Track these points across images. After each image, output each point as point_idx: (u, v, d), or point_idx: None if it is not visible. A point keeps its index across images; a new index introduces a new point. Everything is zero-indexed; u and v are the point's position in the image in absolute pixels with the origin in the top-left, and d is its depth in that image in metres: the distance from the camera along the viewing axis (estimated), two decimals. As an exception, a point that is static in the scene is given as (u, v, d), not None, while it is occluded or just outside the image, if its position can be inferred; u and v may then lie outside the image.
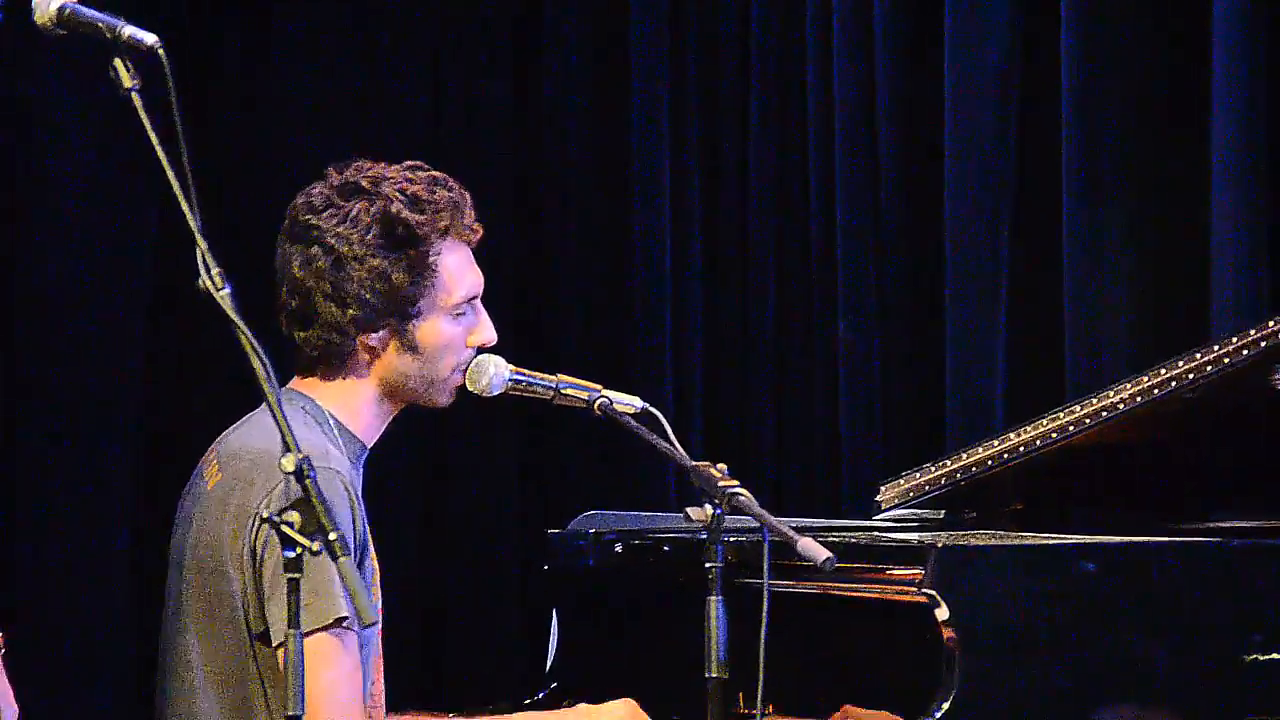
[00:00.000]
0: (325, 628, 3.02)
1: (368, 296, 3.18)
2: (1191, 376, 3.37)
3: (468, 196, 3.28)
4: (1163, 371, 3.42)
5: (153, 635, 3.25)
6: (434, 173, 3.27)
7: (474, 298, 3.27)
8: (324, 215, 3.21)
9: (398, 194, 3.21)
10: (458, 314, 3.24)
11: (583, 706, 3.31)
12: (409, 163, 3.28)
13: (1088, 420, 3.48)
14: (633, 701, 3.27)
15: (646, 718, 3.27)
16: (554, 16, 5.40)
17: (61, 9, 2.68)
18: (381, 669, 3.25)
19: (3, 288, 4.90)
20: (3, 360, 4.90)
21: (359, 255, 3.18)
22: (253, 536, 3.09)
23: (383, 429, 3.28)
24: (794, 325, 5.21)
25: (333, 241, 3.18)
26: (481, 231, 3.29)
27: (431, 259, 3.21)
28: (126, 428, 5.00)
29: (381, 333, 3.21)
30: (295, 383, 3.26)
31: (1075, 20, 4.63)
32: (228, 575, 3.11)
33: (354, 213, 3.19)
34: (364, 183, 3.22)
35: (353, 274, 3.18)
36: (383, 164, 3.26)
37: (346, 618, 3.03)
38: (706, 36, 5.33)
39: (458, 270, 3.24)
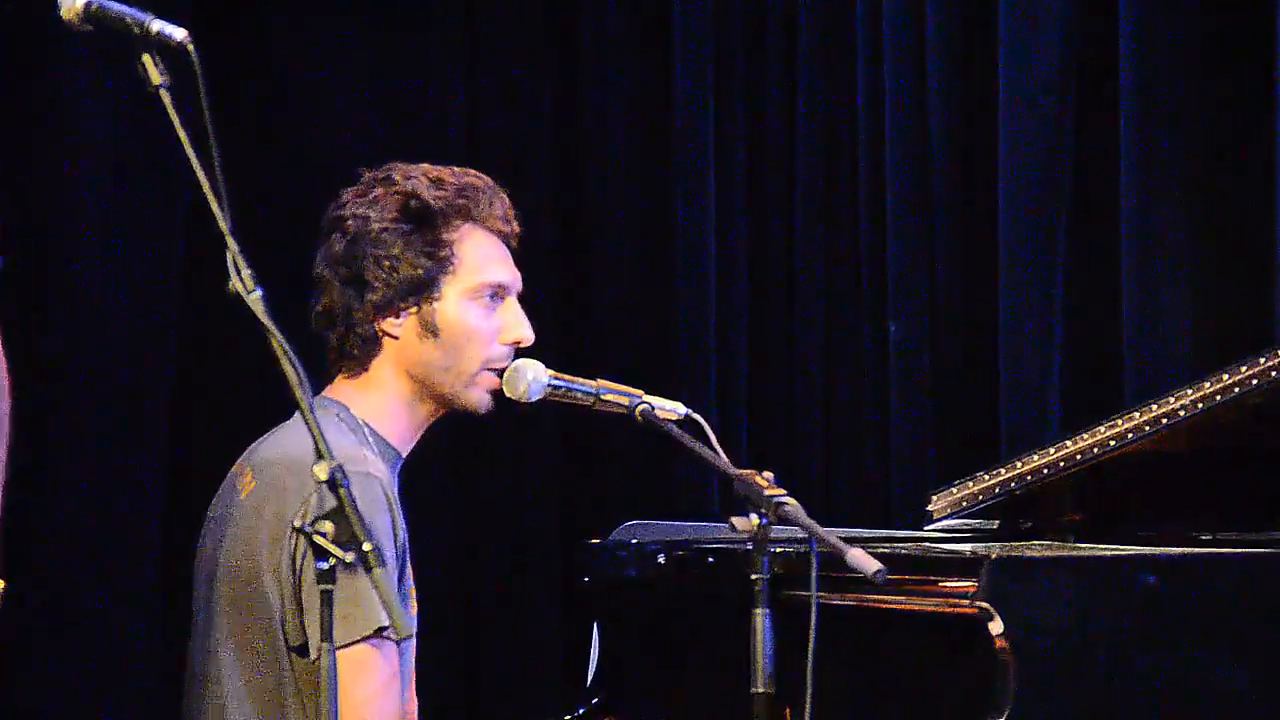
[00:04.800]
0: (365, 638, 2.97)
1: (383, 275, 3.15)
2: (1256, 382, 3.32)
3: (500, 191, 3.23)
4: (1226, 376, 3.36)
5: (181, 642, 3.20)
6: (469, 169, 3.23)
7: (501, 287, 3.20)
8: (348, 205, 3.18)
9: (422, 176, 3.18)
10: (481, 300, 3.18)
11: None
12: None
13: (1148, 427, 3.43)
14: None
15: None
16: (594, 13, 5.35)
17: (88, 4, 2.64)
18: (414, 682, 3.19)
19: (32, 283, 4.88)
20: (33, 356, 4.88)
21: (374, 235, 3.16)
22: (291, 546, 3.04)
23: (418, 437, 3.23)
24: (843, 329, 5.16)
25: (350, 223, 3.18)
26: (518, 229, 3.23)
27: (448, 236, 3.17)
28: (157, 427, 4.98)
29: (401, 317, 3.16)
30: (327, 390, 3.21)
31: (1134, 20, 4.57)
32: (264, 586, 3.06)
33: (375, 196, 3.18)
34: (395, 175, 3.20)
35: (369, 252, 3.15)
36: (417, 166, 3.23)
37: (386, 627, 2.97)
38: (752, 31, 5.28)
39: (481, 254, 3.20)
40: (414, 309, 3.17)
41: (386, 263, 3.15)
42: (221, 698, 3.10)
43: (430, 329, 3.17)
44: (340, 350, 3.19)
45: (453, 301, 3.18)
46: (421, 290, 3.16)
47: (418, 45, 5.29)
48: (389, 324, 3.17)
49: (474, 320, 3.19)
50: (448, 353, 3.18)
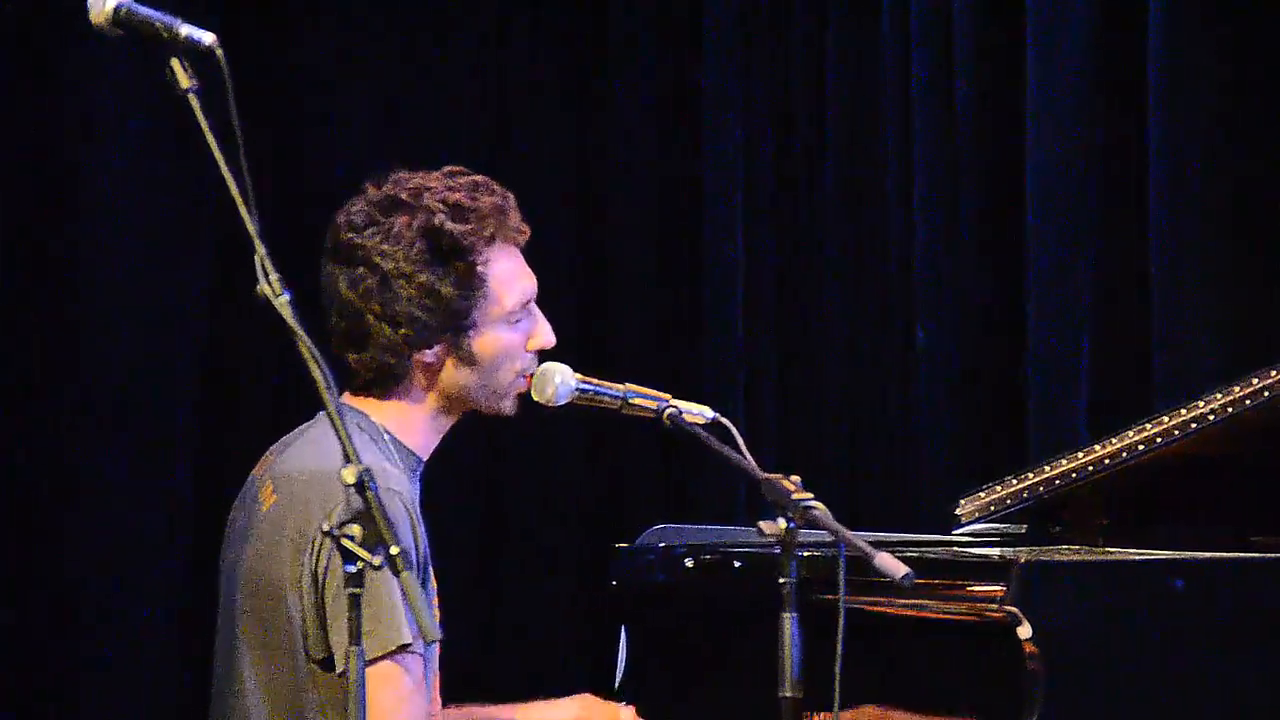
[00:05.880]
0: (388, 654, 2.96)
1: (419, 314, 3.12)
2: (1286, 386, 3.31)
3: (511, 198, 3.21)
4: (1255, 380, 3.35)
5: (208, 651, 3.20)
6: (475, 177, 3.21)
7: (528, 301, 3.20)
8: (366, 233, 3.15)
9: (439, 205, 3.15)
10: (513, 320, 3.18)
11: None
12: (448, 168, 3.22)
13: (1176, 432, 3.42)
14: (588, 696, 3.20)
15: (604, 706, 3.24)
16: (622, 14, 5.35)
17: (118, 8, 2.65)
18: (438, 688, 3.19)
19: (59, 288, 4.89)
20: (61, 361, 4.90)
21: (406, 272, 3.12)
22: (313, 561, 3.04)
23: (439, 441, 3.22)
24: (870, 334, 5.15)
25: (378, 260, 3.13)
26: (529, 232, 3.22)
27: (480, 268, 3.15)
28: (185, 431, 4.99)
29: (437, 348, 3.15)
30: (347, 398, 3.19)
31: (1161, 26, 4.56)
32: (285, 600, 3.06)
33: (396, 229, 3.14)
34: (404, 196, 3.16)
35: (401, 292, 3.12)
36: (421, 173, 3.20)
37: (410, 644, 2.97)
38: (780, 33, 5.27)
39: (508, 276, 3.18)
40: (449, 341, 3.16)
41: (419, 301, 3.13)
42: (244, 710, 3.10)
43: (467, 359, 3.17)
44: (367, 374, 3.18)
45: (488, 329, 3.17)
46: (458, 323, 3.15)
47: (442, 49, 5.28)
48: (424, 355, 3.16)
49: (507, 340, 3.19)
50: (484, 374, 3.18)
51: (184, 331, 5.02)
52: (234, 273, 4.74)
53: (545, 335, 3.22)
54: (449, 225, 3.14)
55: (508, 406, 3.22)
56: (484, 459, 5.21)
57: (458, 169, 3.22)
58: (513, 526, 5.34)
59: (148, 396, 4.97)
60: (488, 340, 3.17)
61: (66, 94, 4.90)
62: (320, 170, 5.04)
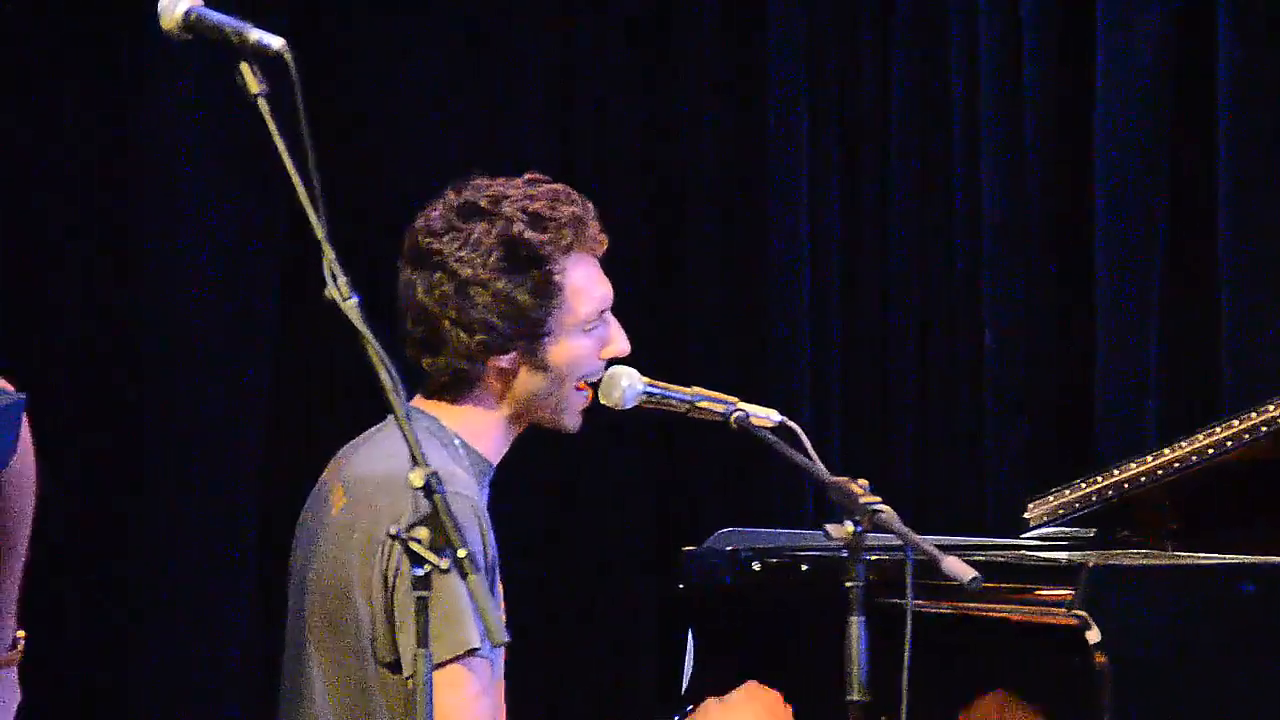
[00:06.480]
0: (456, 658, 2.97)
1: (495, 320, 3.13)
2: (1357, 388, 3.28)
3: (591, 207, 3.21)
4: (1326, 384, 3.32)
5: (277, 652, 3.22)
6: (555, 185, 3.21)
7: (604, 310, 3.20)
8: (445, 239, 3.15)
9: (519, 213, 3.15)
10: (589, 329, 3.18)
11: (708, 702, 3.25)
12: (529, 176, 3.22)
13: (1246, 435, 3.40)
14: (753, 683, 3.20)
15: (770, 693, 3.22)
16: (687, 13, 5.34)
17: (188, 13, 2.66)
18: (503, 691, 3.20)
19: (129, 285, 4.92)
20: (130, 359, 4.94)
21: (483, 279, 3.13)
22: (383, 563, 3.05)
23: (508, 448, 3.23)
24: (937, 336, 5.14)
25: (455, 266, 3.13)
26: (607, 242, 3.22)
27: (557, 277, 3.16)
28: (254, 430, 5.01)
29: (511, 354, 3.16)
30: (419, 401, 3.21)
31: (1232, 24, 4.54)
32: (354, 603, 3.07)
33: (475, 235, 3.14)
34: (483, 203, 3.17)
35: (477, 299, 3.13)
36: (501, 180, 3.20)
37: (478, 648, 2.98)
38: (846, 39, 5.26)
39: (585, 285, 3.19)
40: (524, 348, 3.17)
41: (495, 308, 3.13)
42: (312, 713, 3.11)
43: (540, 365, 3.17)
44: (441, 379, 3.19)
45: (563, 337, 3.18)
46: (533, 331, 3.16)
47: (504, 45, 5.28)
48: (496, 360, 3.17)
49: (581, 350, 3.20)
50: (553, 382, 3.19)
51: (255, 334, 5.04)
52: (303, 278, 4.76)
53: (620, 343, 3.23)
54: (527, 234, 3.15)
55: (569, 421, 3.22)
56: (552, 462, 5.22)
57: (538, 176, 3.23)
58: (580, 529, 5.34)
59: (218, 399, 4.99)
60: (563, 348, 3.18)
61: (137, 99, 4.94)
62: (379, 174, 5.06)
